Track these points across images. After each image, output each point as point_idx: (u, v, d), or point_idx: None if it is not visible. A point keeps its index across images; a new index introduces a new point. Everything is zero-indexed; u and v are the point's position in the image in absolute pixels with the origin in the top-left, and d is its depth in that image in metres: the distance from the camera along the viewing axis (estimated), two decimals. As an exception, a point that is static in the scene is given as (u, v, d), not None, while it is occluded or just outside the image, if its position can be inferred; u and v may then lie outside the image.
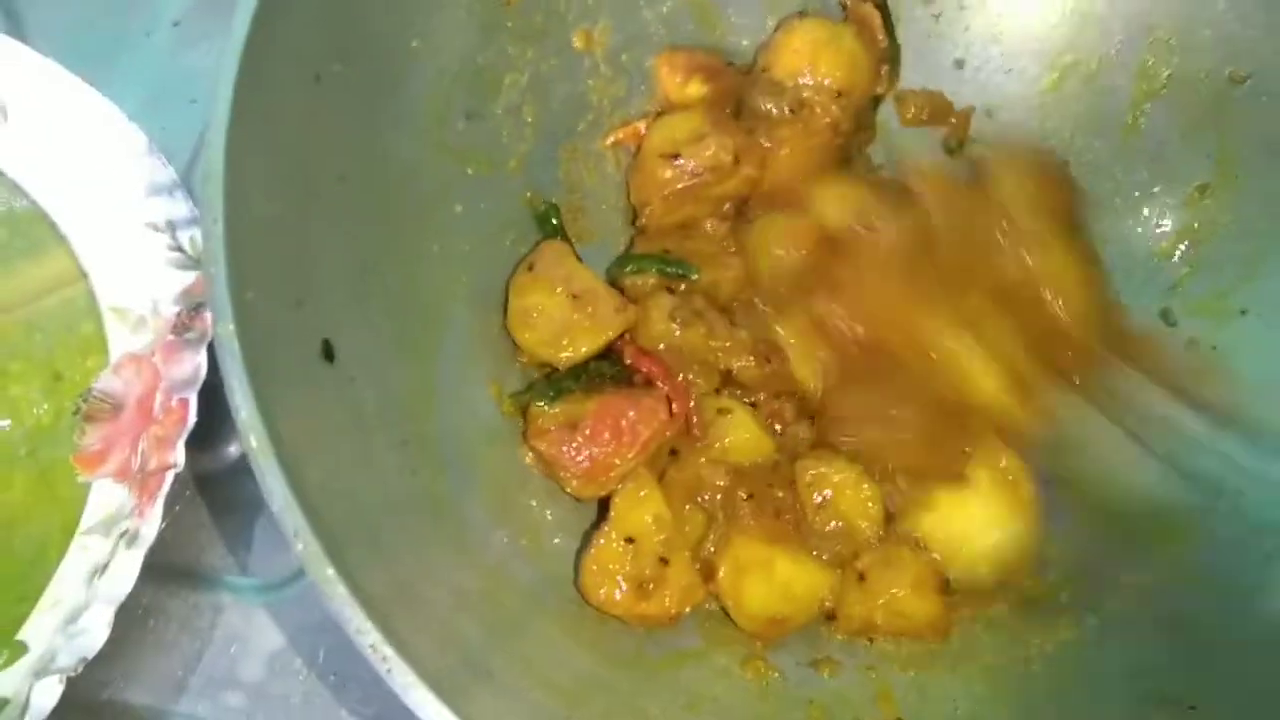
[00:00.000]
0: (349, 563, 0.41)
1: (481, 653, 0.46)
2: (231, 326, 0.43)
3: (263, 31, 0.46)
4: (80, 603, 0.57)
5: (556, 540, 0.56)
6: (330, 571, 0.40)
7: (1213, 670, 0.51)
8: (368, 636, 0.40)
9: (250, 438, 0.42)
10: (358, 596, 0.40)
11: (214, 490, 0.65)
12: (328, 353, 0.49)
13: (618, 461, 0.56)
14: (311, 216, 0.50)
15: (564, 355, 0.59)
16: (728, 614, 0.56)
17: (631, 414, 0.56)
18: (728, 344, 0.59)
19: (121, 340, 0.65)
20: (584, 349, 0.59)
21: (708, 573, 0.56)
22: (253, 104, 0.46)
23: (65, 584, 0.59)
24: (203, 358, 0.61)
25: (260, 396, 0.42)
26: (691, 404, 0.58)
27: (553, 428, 0.56)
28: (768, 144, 0.63)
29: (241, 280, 0.44)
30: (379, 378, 0.51)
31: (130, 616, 0.59)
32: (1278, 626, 0.51)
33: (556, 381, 0.58)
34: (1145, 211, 0.63)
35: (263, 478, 0.41)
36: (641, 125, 0.65)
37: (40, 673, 0.55)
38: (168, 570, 0.63)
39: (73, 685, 0.54)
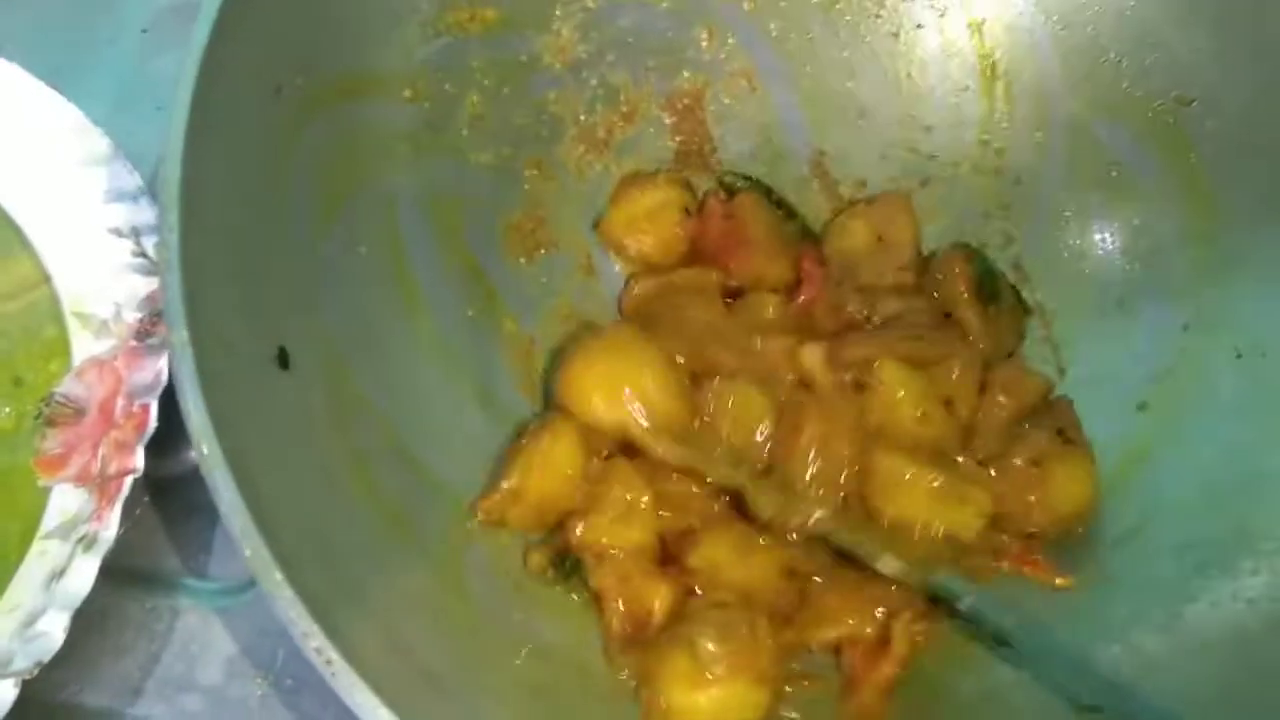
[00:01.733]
0: (297, 567, 0.42)
1: (429, 658, 0.47)
2: (185, 334, 0.43)
3: (223, 43, 0.47)
4: (38, 606, 0.57)
5: (517, 551, 0.57)
6: (278, 576, 0.41)
7: (1149, 681, 0.52)
8: (313, 640, 0.40)
9: (201, 444, 0.42)
10: (304, 600, 0.41)
11: (173, 495, 0.65)
12: (283, 360, 0.49)
13: None
14: (270, 226, 0.51)
15: None
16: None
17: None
18: None
19: (84, 345, 0.65)
20: None
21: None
22: (212, 114, 0.47)
23: (23, 588, 0.59)
24: (164, 363, 0.62)
25: (212, 403, 0.43)
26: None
27: None
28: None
29: (196, 288, 0.45)
30: (336, 388, 0.52)
31: (87, 620, 0.59)
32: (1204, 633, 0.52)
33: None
34: (1095, 230, 0.65)
35: (213, 483, 0.42)
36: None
37: (-4, 675, 0.55)
38: (125, 574, 0.63)
39: (29, 687, 0.54)
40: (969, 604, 0.55)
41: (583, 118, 0.66)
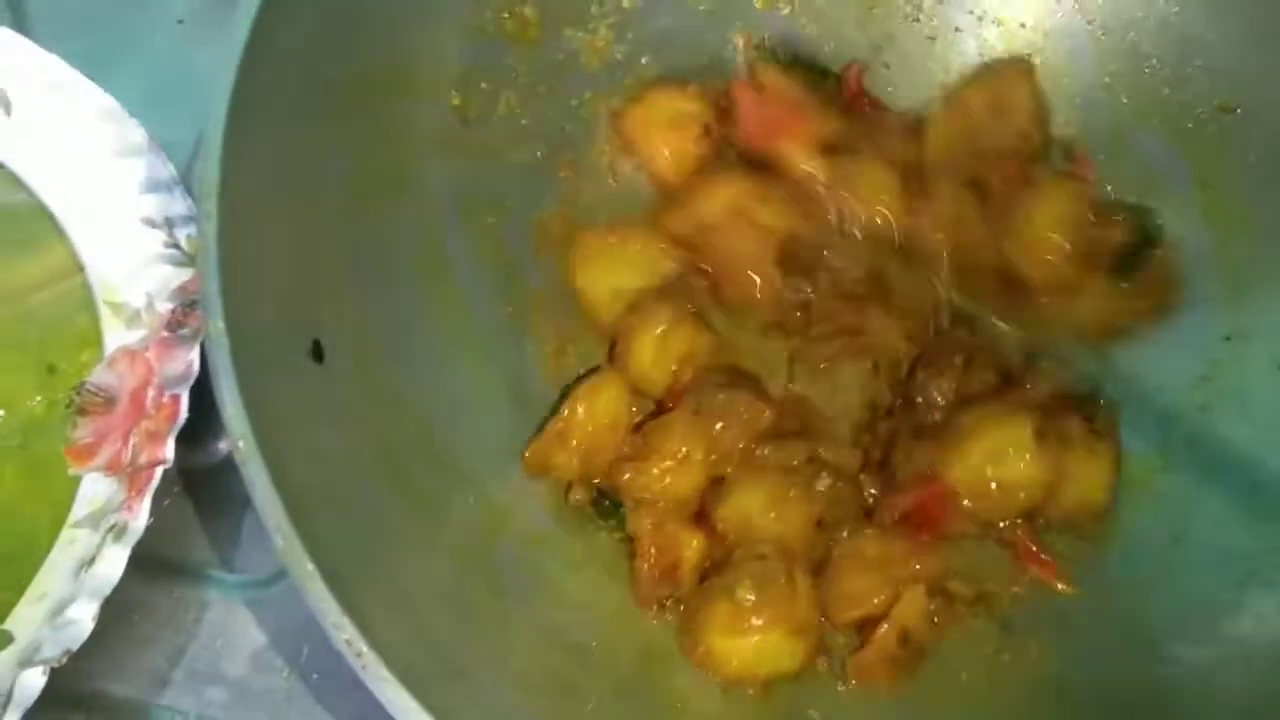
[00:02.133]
0: (329, 560, 0.42)
1: (459, 653, 0.47)
2: (221, 324, 0.44)
3: (263, 34, 0.47)
4: (67, 595, 0.58)
5: (546, 545, 0.57)
6: (309, 567, 0.41)
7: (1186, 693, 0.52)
8: (344, 632, 0.40)
9: (236, 435, 0.42)
10: (336, 592, 0.41)
11: (202, 486, 0.65)
12: (317, 353, 0.49)
13: None
14: (307, 219, 0.51)
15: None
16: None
17: None
18: None
19: (116, 335, 0.66)
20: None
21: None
22: (251, 105, 0.47)
23: (52, 576, 0.59)
24: (195, 354, 0.62)
25: (247, 394, 0.43)
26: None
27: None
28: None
29: (233, 279, 0.45)
30: (369, 381, 0.52)
31: (115, 610, 0.59)
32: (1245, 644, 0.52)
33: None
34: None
35: (247, 474, 0.42)
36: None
37: (25, 663, 0.55)
38: (154, 564, 0.63)
39: (57, 676, 0.55)
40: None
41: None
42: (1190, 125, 0.62)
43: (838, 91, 0.66)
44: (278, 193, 0.49)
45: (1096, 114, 0.65)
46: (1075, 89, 0.65)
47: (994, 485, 0.55)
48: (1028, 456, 0.55)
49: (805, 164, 0.61)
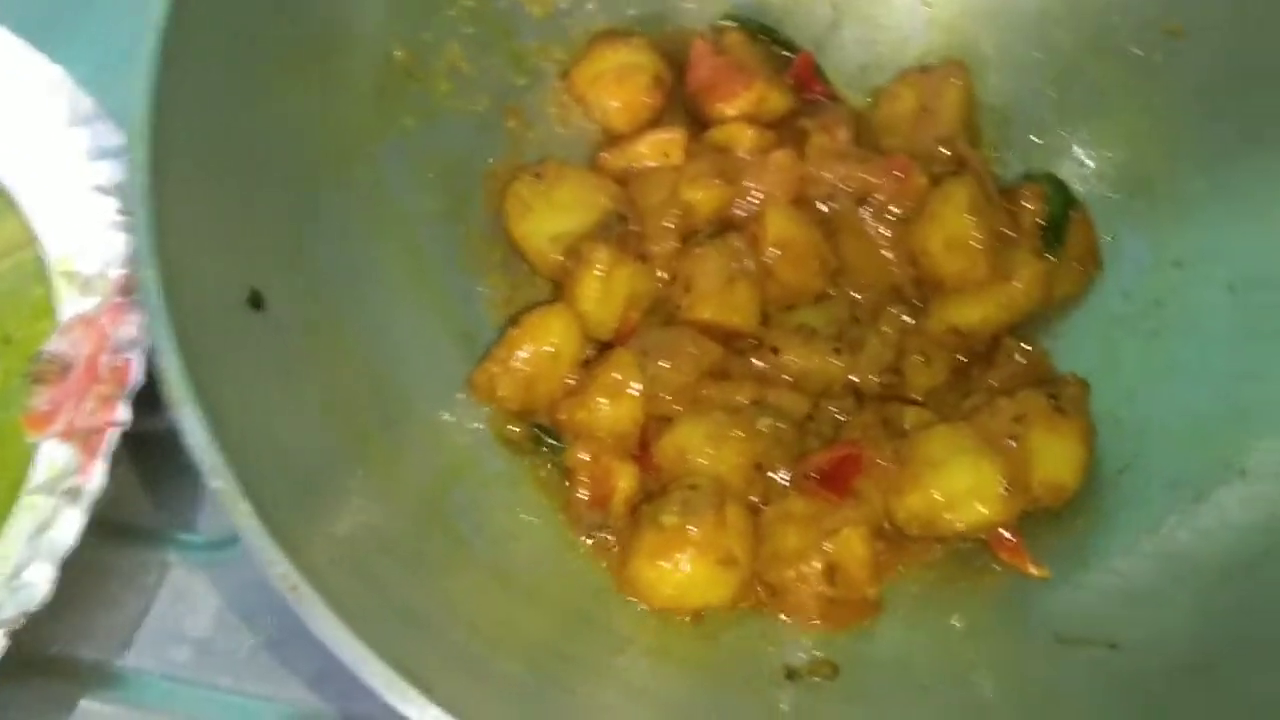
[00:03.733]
0: (268, 501, 0.42)
1: (403, 592, 0.47)
2: (153, 271, 0.44)
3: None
4: (24, 559, 0.58)
5: (497, 492, 0.57)
6: (245, 507, 0.41)
7: (1135, 612, 0.52)
8: (277, 566, 0.40)
9: (170, 380, 0.42)
10: (270, 529, 0.41)
11: (162, 449, 0.65)
12: (255, 301, 0.49)
13: None
14: (243, 171, 0.51)
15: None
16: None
17: None
18: None
19: (71, 303, 0.65)
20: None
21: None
22: (181, 56, 0.47)
23: (10, 542, 0.59)
24: (148, 318, 0.62)
25: (182, 341, 0.43)
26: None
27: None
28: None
29: (166, 227, 0.45)
30: (314, 331, 0.52)
31: (77, 573, 0.59)
32: (1193, 562, 0.52)
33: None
34: (1082, 157, 0.64)
35: (180, 416, 0.42)
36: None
37: (-16, 627, 0.55)
38: (115, 528, 0.63)
39: (21, 640, 0.55)
40: None
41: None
42: (1138, 51, 0.62)
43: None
44: (214, 144, 0.49)
45: (1045, 42, 0.64)
46: (1024, 18, 0.64)
47: (957, 526, 0.54)
48: (994, 505, 0.54)
49: (736, 130, 0.62)
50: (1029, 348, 0.59)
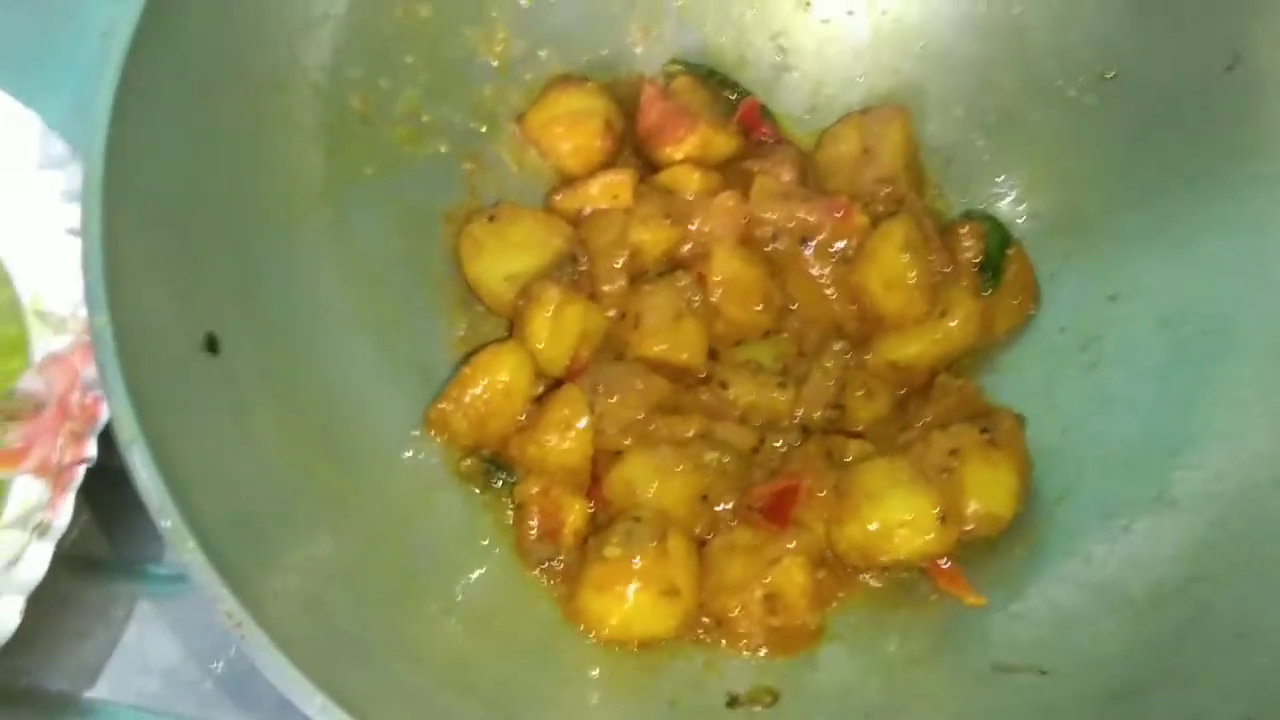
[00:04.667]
0: (216, 538, 0.44)
1: (352, 625, 0.48)
2: (105, 316, 0.45)
3: (146, 45, 0.49)
4: (-6, 593, 0.59)
5: (450, 525, 0.58)
6: (190, 544, 0.43)
7: (1066, 639, 0.53)
8: (223, 603, 0.42)
9: (119, 423, 0.44)
10: (218, 567, 0.43)
11: (131, 484, 0.67)
12: (211, 345, 0.51)
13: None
14: (197, 213, 0.52)
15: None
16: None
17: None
18: None
19: (44, 342, 0.68)
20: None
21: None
22: (136, 105, 0.49)
23: (-19, 576, 0.61)
24: (116, 356, 0.64)
25: (133, 385, 0.45)
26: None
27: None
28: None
29: (118, 274, 0.46)
30: (267, 370, 0.54)
31: (46, 606, 0.61)
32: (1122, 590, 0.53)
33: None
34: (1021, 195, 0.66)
35: (129, 459, 0.44)
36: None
37: (-47, 659, 0.57)
38: (84, 561, 0.65)
39: (-10, 672, 0.57)
40: None
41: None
42: (1073, 94, 0.64)
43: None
44: (169, 189, 0.51)
45: (984, 89, 0.66)
46: (963, 65, 0.66)
47: (895, 555, 0.56)
48: (930, 535, 0.55)
49: (683, 172, 0.64)
50: (960, 382, 0.61)
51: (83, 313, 0.67)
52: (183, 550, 0.43)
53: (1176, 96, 0.61)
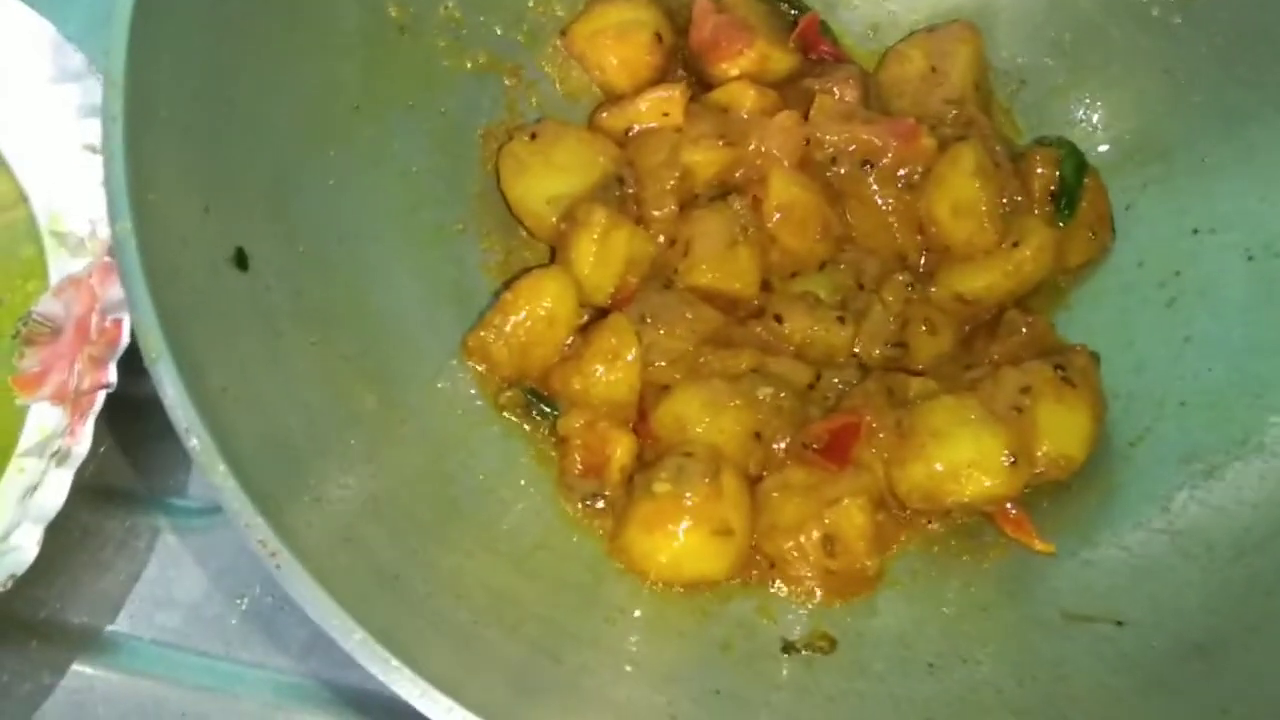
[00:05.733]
0: (247, 463, 0.41)
1: (390, 560, 0.46)
2: (129, 225, 0.42)
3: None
4: (11, 522, 0.57)
5: (490, 459, 0.56)
6: (222, 468, 0.40)
7: (1143, 588, 0.50)
8: (257, 532, 0.39)
9: (145, 335, 0.41)
10: (251, 495, 0.40)
11: (155, 413, 0.64)
12: (240, 260, 0.48)
13: None
14: (226, 124, 0.49)
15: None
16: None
17: None
18: None
19: (61, 263, 0.65)
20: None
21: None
22: (161, 6, 0.45)
23: (1, 505, 0.59)
24: (138, 278, 0.61)
25: (159, 296, 0.42)
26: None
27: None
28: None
29: (142, 180, 0.43)
30: (300, 289, 0.51)
31: (68, 537, 0.59)
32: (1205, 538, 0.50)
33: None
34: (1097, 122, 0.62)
35: (156, 375, 0.41)
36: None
37: (-29, 590, 0.55)
38: (106, 492, 0.63)
39: (9, 604, 0.54)
40: None
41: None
42: (1156, 13, 0.60)
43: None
44: (196, 97, 0.48)
45: (1067, 11, 0.62)
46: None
47: (960, 498, 0.53)
48: (998, 477, 0.52)
49: (738, 90, 0.60)
50: (1031, 318, 0.57)
51: (102, 232, 0.64)
52: (213, 474, 0.40)
53: (1267, 18, 0.56)
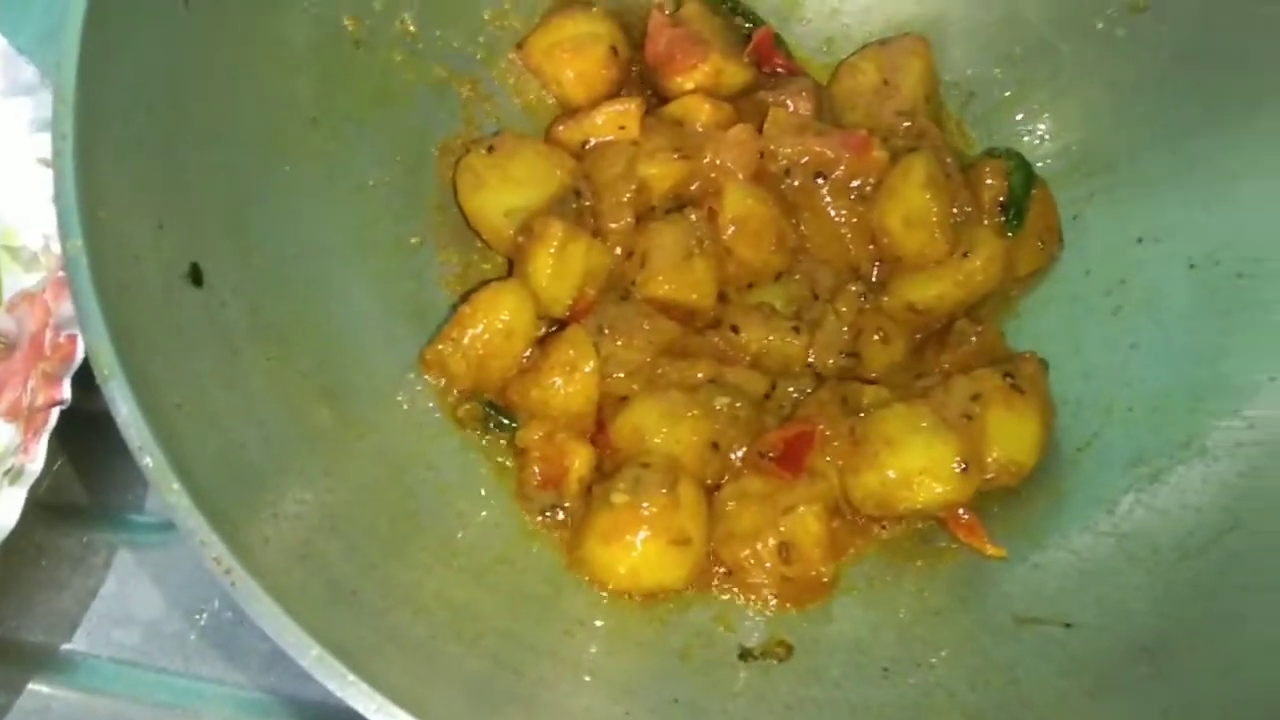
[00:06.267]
0: (202, 479, 0.41)
1: (347, 574, 0.46)
2: (80, 242, 0.42)
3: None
4: (-36, 540, 0.56)
5: (448, 472, 0.56)
6: (175, 486, 0.40)
7: (1091, 591, 0.51)
8: (211, 549, 0.39)
9: (97, 354, 0.41)
10: (204, 511, 0.40)
11: (110, 429, 0.63)
12: (195, 277, 0.48)
13: None
14: (180, 139, 0.49)
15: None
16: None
17: None
18: None
19: (14, 279, 0.64)
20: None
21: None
22: (112, 18, 0.45)
23: (-47, 523, 0.58)
24: (92, 293, 0.60)
25: (110, 314, 0.42)
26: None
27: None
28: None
29: (93, 197, 0.43)
30: (255, 304, 0.51)
31: (22, 555, 0.58)
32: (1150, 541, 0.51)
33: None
34: (1045, 133, 0.63)
35: (109, 393, 0.41)
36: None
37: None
38: (61, 509, 0.62)
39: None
40: None
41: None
42: (1101, 27, 0.61)
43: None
44: (150, 113, 0.48)
45: (1013, 21, 0.63)
46: (990, 3, 0.63)
47: (913, 504, 0.53)
48: (950, 483, 0.52)
49: (693, 103, 0.60)
50: (981, 328, 0.58)
51: (55, 248, 0.64)
52: (167, 492, 0.40)
53: (1210, 33, 0.58)
